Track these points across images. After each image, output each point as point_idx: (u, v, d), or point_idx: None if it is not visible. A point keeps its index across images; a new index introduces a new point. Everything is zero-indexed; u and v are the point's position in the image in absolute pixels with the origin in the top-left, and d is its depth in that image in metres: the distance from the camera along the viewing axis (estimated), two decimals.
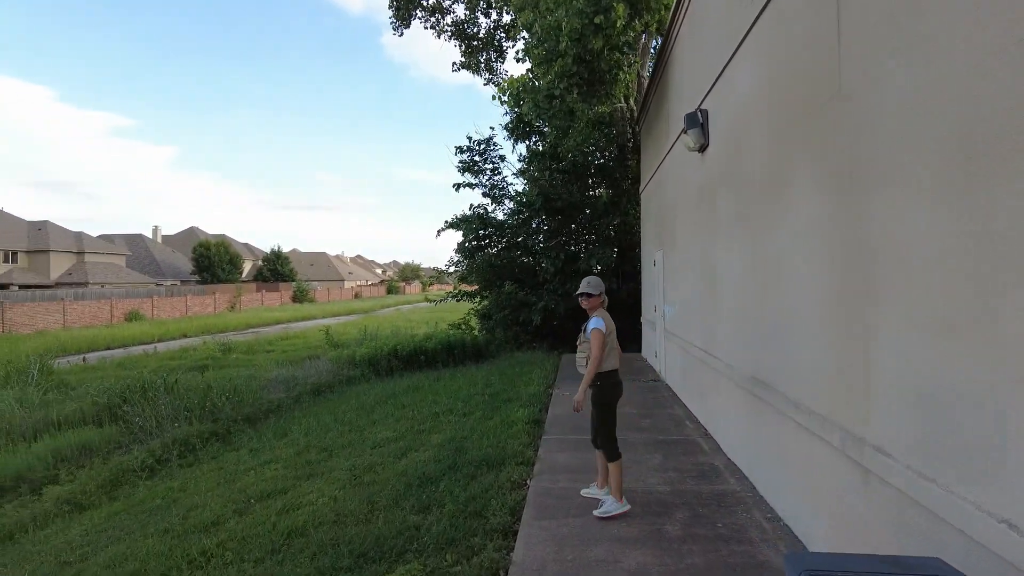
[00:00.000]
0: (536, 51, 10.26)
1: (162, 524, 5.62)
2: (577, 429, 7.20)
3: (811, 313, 3.95)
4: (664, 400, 8.86)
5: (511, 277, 15.86)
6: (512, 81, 10.91)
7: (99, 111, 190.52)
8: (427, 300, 17.91)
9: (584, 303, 4.95)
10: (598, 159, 15.74)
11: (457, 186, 16.28)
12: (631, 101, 15.62)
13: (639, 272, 15.67)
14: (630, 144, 15.93)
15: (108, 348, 26.34)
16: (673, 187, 9.40)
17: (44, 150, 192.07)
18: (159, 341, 28.79)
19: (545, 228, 15.70)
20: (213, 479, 7.18)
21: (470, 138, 15.89)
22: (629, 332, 15.61)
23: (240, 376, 14.76)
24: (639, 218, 14.88)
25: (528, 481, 5.45)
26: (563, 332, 15.68)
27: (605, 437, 4.76)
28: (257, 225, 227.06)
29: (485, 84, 17.65)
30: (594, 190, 16.01)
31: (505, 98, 13.35)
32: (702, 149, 7.05)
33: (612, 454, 4.73)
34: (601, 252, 14.28)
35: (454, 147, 16.15)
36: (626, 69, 10.96)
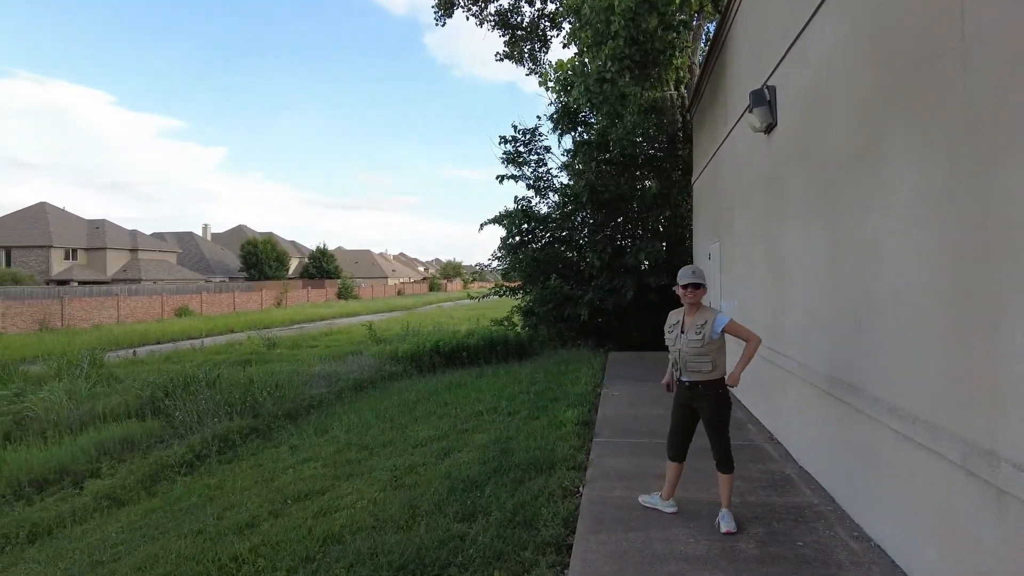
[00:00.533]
0: (584, 34, 9.78)
1: (196, 524, 5.39)
2: (630, 431, 6.72)
3: (916, 303, 3.40)
4: None
5: (555, 272, 15.43)
6: (560, 65, 10.41)
7: (152, 114, 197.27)
8: (469, 296, 17.63)
9: (690, 296, 4.45)
10: (647, 149, 15.13)
11: (500, 178, 15.91)
12: (682, 88, 14.97)
13: None
14: (680, 134, 15.28)
15: (158, 343, 26.91)
16: (731, 174, 8.80)
17: (102, 153, 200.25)
18: (206, 336, 29.33)
19: (591, 222, 15.18)
20: (251, 477, 6.97)
21: (515, 127, 15.52)
22: None
23: (283, 371, 14.70)
24: (691, 210, 14.24)
25: (580, 488, 5.01)
26: (609, 329, 15.17)
27: (728, 445, 4.46)
28: (303, 224, 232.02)
29: (528, 74, 17.28)
30: (642, 182, 15.42)
31: (552, 84, 12.88)
32: (768, 129, 6.47)
33: (732, 463, 4.46)
34: (650, 246, 13.69)
35: (498, 137, 15.80)
36: (680, 51, 10.38)
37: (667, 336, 4.59)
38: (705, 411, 4.43)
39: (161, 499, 6.53)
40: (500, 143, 15.68)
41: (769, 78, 6.45)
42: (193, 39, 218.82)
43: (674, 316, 4.62)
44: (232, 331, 31.79)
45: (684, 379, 4.45)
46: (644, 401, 8.34)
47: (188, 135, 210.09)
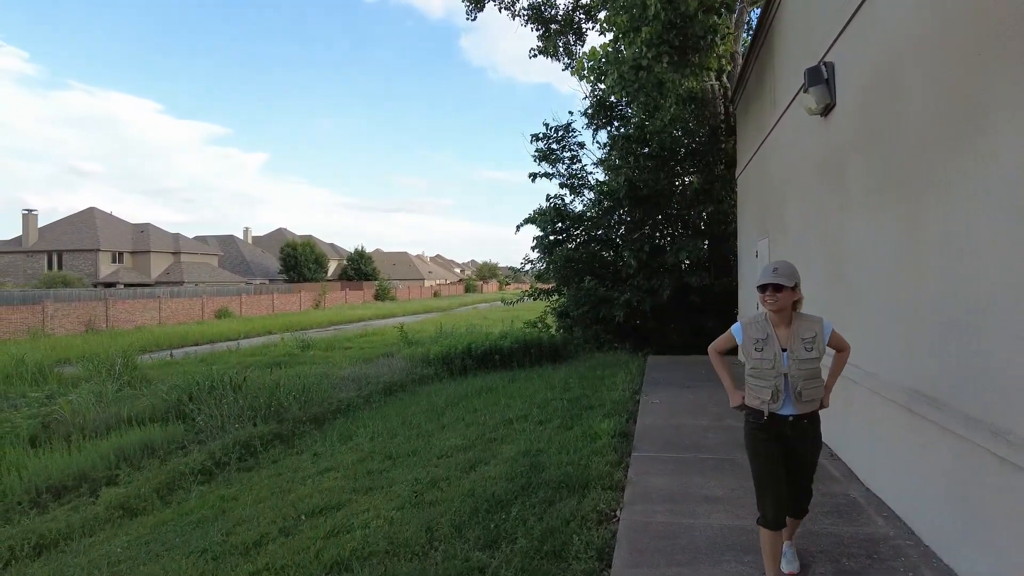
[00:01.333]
0: (619, 19, 9.22)
1: (203, 541, 5.04)
2: (672, 445, 6.14)
3: None
4: None
5: (590, 272, 14.85)
6: (593, 53, 9.83)
7: (197, 121, 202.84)
8: (502, 301, 17.15)
9: (770, 300, 3.36)
10: (687, 143, 14.42)
11: (533, 176, 15.41)
12: (724, 78, 14.25)
13: (733, 265, 14.28)
14: (723, 125, 14.54)
15: (196, 344, 27.17)
16: (781, 164, 8.13)
17: (150, 159, 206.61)
18: (244, 337, 29.56)
19: (628, 219, 14.55)
20: (268, 488, 6.62)
21: (547, 124, 15.01)
22: (721, 331, 14.25)
23: (313, 374, 14.46)
24: (735, 206, 13.51)
25: (618, 512, 4.47)
26: (647, 331, 14.53)
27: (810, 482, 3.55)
28: (343, 226, 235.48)
29: (564, 69, 16.69)
30: (682, 177, 14.73)
31: (585, 73, 12.31)
32: (826, 111, 5.82)
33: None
34: (691, 244, 13.00)
35: (530, 135, 15.31)
36: (722, 37, 9.72)
37: (753, 356, 3.39)
38: (809, 450, 3.40)
39: (174, 510, 6.23)
40: (532, 141, 15.22)
41: (826, 54, 5.80)
42: (235, 47, 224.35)
43: (753, 328, 3.44)
44: (270, 332, 31.99)
45: (789, 413, 3.28)
46: (687, 410, 7.73)
47: (231, 141, 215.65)
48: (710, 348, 3.89)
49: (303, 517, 5.43)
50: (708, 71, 10.43)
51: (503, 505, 4.73)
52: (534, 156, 15.36)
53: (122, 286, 47.65)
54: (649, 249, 13.45)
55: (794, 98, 7.15)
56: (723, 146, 14.31)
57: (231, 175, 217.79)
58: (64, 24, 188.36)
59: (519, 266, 16.85)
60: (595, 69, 12.06)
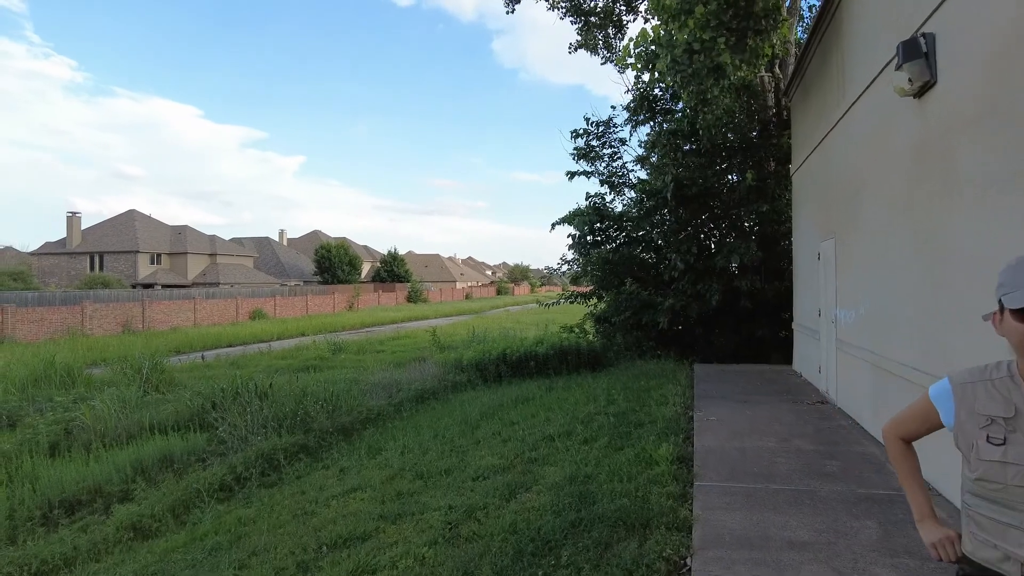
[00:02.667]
0: (668, 1, 8.50)
1: None
2: (739, 474, 5.40)
3: None
4: (844, 432, 6.80)
5: (630, 276, 14.10)
6: (643, 36, 9.11)
7: (235, 125, 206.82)
8: (537, 303, 16.47)
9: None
10: (731, 140, 13.55)
11: (571, 174, 14.69)
12: (776, 68, 13.37)
13: (787, 269, 13.39)
14: (774, 120, 13.66)
15: (230, 345, 27.13)
16: (854, 156, 7.31)
17: (190, 163, 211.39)
18: (277, 339, 29.47)
19: (670, 220, 13.74)
20: (290, 509, 6.08)
21: (587, 119, 14.28)
22: (773, 340, 13.38)
23: (343, 379, 14.01)
24: (788, 205, 12.63)
25: (688, 560, 3.78)
26: (691, 338, 13.72)
27: None
28: (378, 229, 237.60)
29: (603, 63, 16.02)
30: (732, 173, 13.88)
31: (631, 60, 11.57)
32: (923, 90, 5.03)
33: None
34: (743, 246, 12.15)
35: (570, 132, 14.61)
36: (779, 20, 8.92)
37: (986, 454, 1.65)
38: None
39: (187, 533, 5.73)
40: (572, 137, 14.52)
41: (924, 24, 5.02)
42: (271, 53, 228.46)
43: (984, 396, 1.70)
44: (303, 334, 31.87)
45: None
46: (748, 430, 6.96)
47: (269, 145, 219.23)
48: (886, 430, 2.03)
49: (324, 548, 4.85)
50: (764, 58, 9.62)
51: (551, 547, 4.07)
52: (572, 154, 14.67)
53: (160, 287, 48.37)
54: (696, 251, 12.64)
55: (874, 80, 6.35)
56: (775, 141, 13.43)
57: (269, 178, 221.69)
58: (108, 32, 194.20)
59: (555, 266, 16.15)
60: (642, 57, 11.28)
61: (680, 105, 14.12)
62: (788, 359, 12.55)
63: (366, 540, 4.87)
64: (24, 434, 9.02)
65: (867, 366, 6.76)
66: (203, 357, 21.34)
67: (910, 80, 4.99)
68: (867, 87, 6.64)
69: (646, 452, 5.86)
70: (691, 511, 4.52)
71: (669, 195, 12.26)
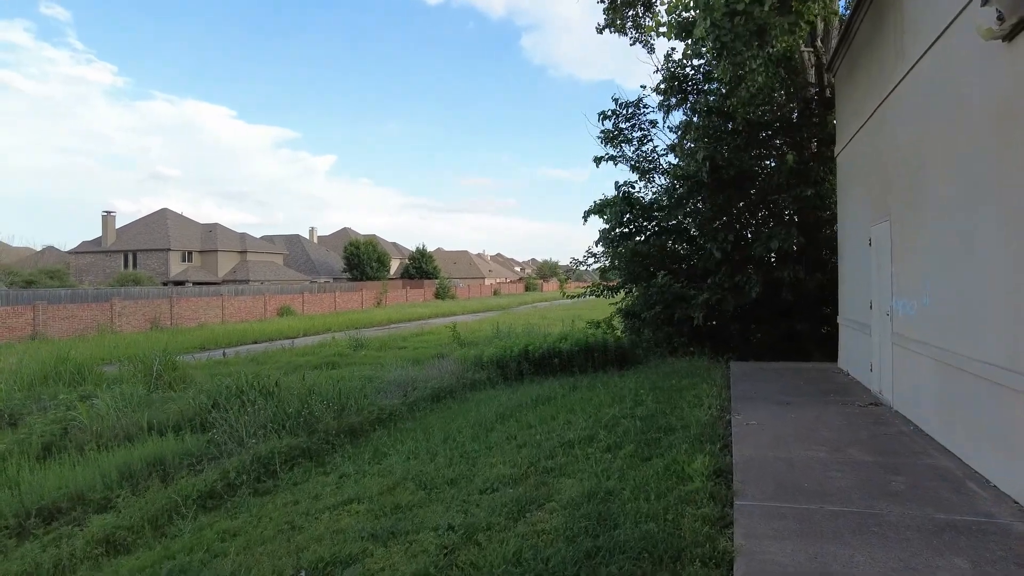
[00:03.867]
0: None
1: None
2: (788, 490, 4.60)
3: None
4: (906, 440, 5.92)
5: (661, 268, 13.23)
6: (677, 1, 8.27)
7: (268, 126, 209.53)
8: (564, 295, 15.69)
9: None
10: (769, 119, 12.54)
11: (598, 160, 13.83)
12: (818, 42, 12.37)
13: (829, 259, 12.40)
14: (815, 98, 12.66)
15: (255, 342, 26.97)
16: (920, 124, 6.40)
17: (224, 163, 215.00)
18: (303, 336, 29.26)
19: (707, 206, 12.82)
20: (276, 522, 5.47)
21: (615, 100, 13.41)
22: (814, 335, 12.40)
23: (359, 376, 13.49)
24: (832, 188, 11.65)
25: None
26: (727, 334, 12.83)
27: None
28: (409, 227, 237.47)
29: (631, 44, 15.12)
30: (770, 158, 12.91)
31: (663, 29, 10.71)
32: (1018, 29, 4.16)
33: None
34: (783, 233, 11.19)
35: (598, 113, 13.76)
36: None
37: None
38: None
39: (161, 549, 5.15)
40: (600, 120, 13.65)
41: None
42: (302, 53, 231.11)
43: None
44: (329, 331, 31.63)
45: None
46: (794, 436, 6.13)
47: (301, 144, 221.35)
48: None
49: (303, 572, 4.22)
50: (808, 25, 8.71)
51: None
52: (599, 137, 13.83)
53: (191, 284, 48.83)
54: (732, 239, 11.72)
55: (945, 29, 5.45)
56: (816, 121, 12.43)
57: (301, 178, 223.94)
58: (146, 36, 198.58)
59: (581, 258, 15.33)
60: (674, 26, 10.40)
61: (714, 86, 13.21)
62: (831, 356, 11.59)
63: (348, 565, 4.22)
64: (20, 434, 8.63)
65: (932, 364, 5.87)
66: (224, 354, 21.09)
67: (1000, 17, 4.12)
68: (935, 40, 5.74)
69: (677, 464, 5.09)
70: (731, 540, 3.75)
71: (705, 176, 11.31)
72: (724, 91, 11.78)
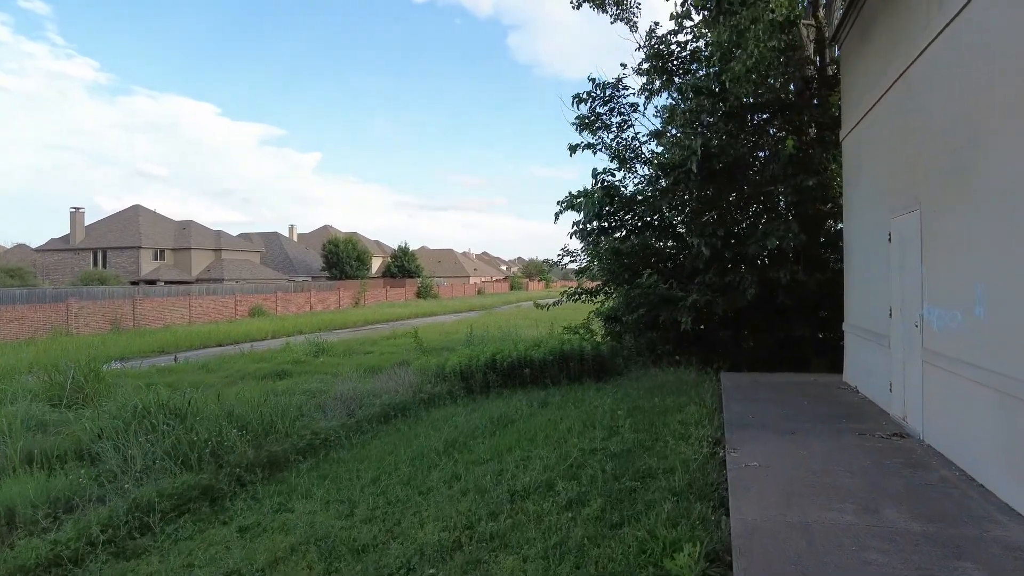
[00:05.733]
0: None
1: None
2: None
3: None
4: (956, 494, 4.53)
5: (645, 267, 11.80)
6: None
7: (253, 123, 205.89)
8: (536, 305, 14.20)
9: None
10: (765, 98, 11.13)
11: (573, 148, 12.36)
12: (819, 12, 11.05)
13: (829, 257, 11.11)
14: (815, 78, 11.32)
15: (219, 345, 25.42)
16: (968, 87, 5.04)
17: (210, 161, 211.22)
18: (272, 338, 27.66)
19: (693, 199, 11.44)
20: None
21: (593, 80, 11.93)
22: (813, 342, 11.08)
23: (304, 390, 12.04)
24: (837, 179, 10.33)
25: None
26: (715, 340, 11.49)
27: None
28: (396, 225, 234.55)
29: (612, 22, 13.73)
30: (763, 148, 11.55)
31: None
32: None
33: None
34: (781, 228, 9.84)
35: (572, 96, 12.26)
36: None
37: None
38: None
39: None
40: (574, 103, 12.17)
41: None
42: (287, 50, 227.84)
43: None
44: (300, 332, 30.05)
45: None
46: (807, 485, 4.74)
47: (286, 142, 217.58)
48: None
49: None
50: None
51: None
52: (575, 123, 12.33)
53: (162, 283, 46.91)
54: (723, 235, 10.32)
55: None
56: (816, 102, 11.09)
57: (287, 175, 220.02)
58: (129, 32, 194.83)
59: (556, 259, 13.92)
60: None
61: (703, 70, 11.83)
62: (832, 366, 10.30)
63: None
64: None
65: (991, 395, 4.51)
66: (175, 359, 19.52)
67: None
68: None
69: (656, 541, 3.69)
70: None
71: (694, 166, 9.93)
72: (716, 68, 10.40)
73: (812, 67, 11.40)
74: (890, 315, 6.91)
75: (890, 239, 6.92)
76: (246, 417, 8.10)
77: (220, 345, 25.21)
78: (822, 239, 11.29)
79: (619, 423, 6.98)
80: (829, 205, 11.27)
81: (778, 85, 10.96)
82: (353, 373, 13.69)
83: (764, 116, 11.11)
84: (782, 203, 11.42)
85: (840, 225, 11.28)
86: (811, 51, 11.33)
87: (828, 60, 10.99)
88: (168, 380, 14.78)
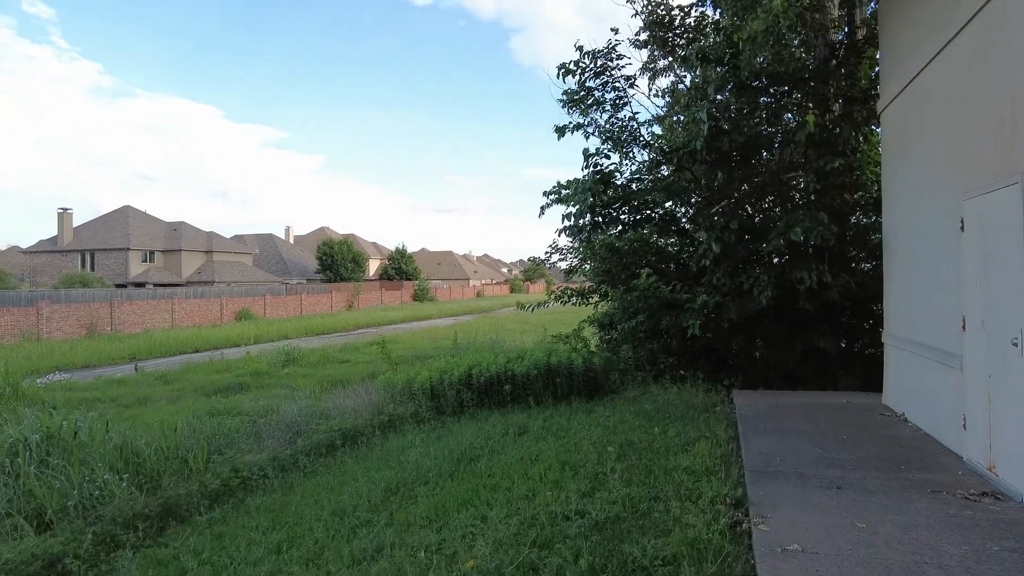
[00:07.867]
0: None
1: None
2: None
3: None
4: None
5: (648, 267, 10.09)
6: None
7: (255, 125, 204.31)
8: (519, 306, 12.56)
9: None
10: (782, 68, 9.42)
11: (560, 130, 10.61)
12: None
13: (857, 255, 9.49)
14: (843, 44, 9.67)
15: (196, 351, 23.98)
16: None
17: (212, 163, 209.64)
18: (255, 343, 26.11)
19: (700, 187, 9.81)
20: None
21: (580, 48, 10.16)
22: (840, 355, 9.43)
23: (252, 409, 10.45)
24: (870, 161, 8.69)
25: None
26: (726, 351, 9.88)
27: None
28: (396, 227, 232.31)
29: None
30: (777, 129, 9.90)
31: None
32: None
33: None
34: (808, 218, 8.18)
35: (557, 67, 10.46)
36: None
37: None
38: None
39: None
40: (560, 75, 10.41)
41: None
42: (290, 53, 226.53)
43: None
44: (286, 337, 28.60)
45: None
46: None
47: (288, 144, 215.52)
48: None
49: None
50: None
51: None
52: (562, 100, 10.63)
53: (151, 286, 45.41)
54: (735, 228, 8.66)
55: None
56: (843, 72, 9.44)
57: (289, 177, 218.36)
58: (132, 35, 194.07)
59: (543, 256, 12.28)
60: None
61: (710, 40, 10.21)
62: (866, 384, 8.70)
63: None
64: None
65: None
66: (136, 368, 17.93)
67: None
68: None
69: None
70: None
71: (701, 145, 8.26)
72: (728, 32, 8.75)
73: (838, 31, 9.76)
74: (963, 327, 5.27)
75: (963, 227, 5.28)
76: (143, 452, 6.48)
77: (197, 351, 23.76)
78: (849, 234, 9.63)
79: (607, 467, 5.34)
80: (857, 194, 9.63)
81: (799, 53, 9.32)
82: (313, 388, 12.09)
83: (783, 89, 9.44)
84: (799, 194, 9.76)
85: (871, 218, 9.66)
86: (836, 12, 9.68)
87: (859, 22, 9.35)
88: (113, 394, 13.29)
